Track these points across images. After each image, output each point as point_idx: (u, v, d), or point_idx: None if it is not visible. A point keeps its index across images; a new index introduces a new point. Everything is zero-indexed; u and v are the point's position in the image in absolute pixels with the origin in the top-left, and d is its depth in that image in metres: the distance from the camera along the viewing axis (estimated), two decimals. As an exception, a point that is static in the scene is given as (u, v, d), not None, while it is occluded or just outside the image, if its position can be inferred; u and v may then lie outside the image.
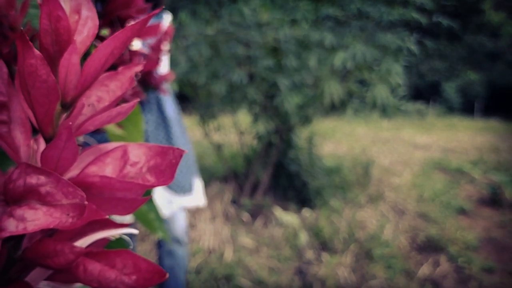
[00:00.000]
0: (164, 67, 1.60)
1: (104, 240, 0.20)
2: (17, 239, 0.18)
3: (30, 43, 0.16)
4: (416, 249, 2.63)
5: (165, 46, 1.13)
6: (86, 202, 0.15)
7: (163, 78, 1.15)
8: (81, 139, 0.53)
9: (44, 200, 0.16)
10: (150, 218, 0.51)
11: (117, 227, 0.20)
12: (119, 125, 0.44)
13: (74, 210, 0.15)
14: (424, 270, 2.32)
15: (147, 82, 1.15)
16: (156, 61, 1.14)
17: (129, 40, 0.17)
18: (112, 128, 0.43)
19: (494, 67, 18.47)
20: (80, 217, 0.15)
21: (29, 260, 0.18)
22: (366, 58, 2.54)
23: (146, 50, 1.13)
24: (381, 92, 2.58)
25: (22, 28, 0.30)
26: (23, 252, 0.18)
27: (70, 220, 0.15)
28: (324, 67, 2.72)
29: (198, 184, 1.57)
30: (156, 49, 1.14)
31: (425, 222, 3.08)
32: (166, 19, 1.49)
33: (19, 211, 0.16)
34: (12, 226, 0.16)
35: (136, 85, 1.04)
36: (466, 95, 17.71)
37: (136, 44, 1.03)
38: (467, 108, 17.23)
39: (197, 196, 1.56)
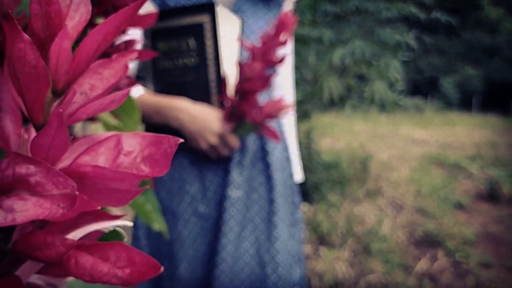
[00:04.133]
0: (284, 85, 1.04)
1: (98, 233, 0.20)
2: (7, 231, 0.18)
3: (19, 27, 0.15)
4: (413, 244, 2.64)
5: (284, 48, 0.84)
6: (77, 192, 0.14)
7: (277, 107, 0.84)
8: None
9: (34, 190, 0.15)
10: (147, 210, 0.50)
11: (111, 219, 0.19)
12: (115, 115, 0.44)
13: (64, 200, 0.15)
14: (422, 264, 2.33)
15: (242, 114, 0.84)
16: (265, 79, 0.83)
17: (122, 26, 0.17)
18: (107, 118, 0.42)
19: (492, 62, 18.48)
20: (71, 208, 0.15)
21: (19, 253, 0.18)
22: (364, 54, 2.54)
23: (243, 58, 0.91)
24: (379, 87, 2.58)
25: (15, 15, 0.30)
26: (13, 245, 0.18)
27: (60, 211, 0.15)
28: (322, 62, 2.71)
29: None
30: (264, 54, 0.84)
31: (423, 217, 3.09)
32: (287, 5, 1.02)
33: (7, 202, 0.15)
34: (1, 218, 0.15)
35: (224, 119, 0.86)
36: (464, 90, 17.72)
37: (134, 33, 0.87)
38: (465, 103, 17.25)
39: None
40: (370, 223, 2.83)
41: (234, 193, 0.93)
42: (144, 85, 0.95)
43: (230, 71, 0.90)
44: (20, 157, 0.15)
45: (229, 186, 0.92)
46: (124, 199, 0.18)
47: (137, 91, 0.91)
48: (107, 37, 0.17)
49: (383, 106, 2.70)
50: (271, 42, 0.80)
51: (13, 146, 0.18)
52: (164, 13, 0.89)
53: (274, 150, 0.98)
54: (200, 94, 0.90)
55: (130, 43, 0.36)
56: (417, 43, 2.94)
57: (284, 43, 0.80)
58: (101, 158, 0.18)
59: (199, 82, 0.90)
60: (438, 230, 2.79)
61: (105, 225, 0.19)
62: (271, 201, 0.96)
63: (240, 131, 0.87)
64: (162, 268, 0.17)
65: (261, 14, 0.98)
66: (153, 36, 0.92)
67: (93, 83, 0.20)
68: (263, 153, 0.98)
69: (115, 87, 0.33)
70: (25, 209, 0.15)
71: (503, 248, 2.59)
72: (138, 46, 0.42)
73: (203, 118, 0.87)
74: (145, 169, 0.17)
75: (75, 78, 0.18)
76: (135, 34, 0.86)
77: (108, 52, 0.34)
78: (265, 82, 0.81)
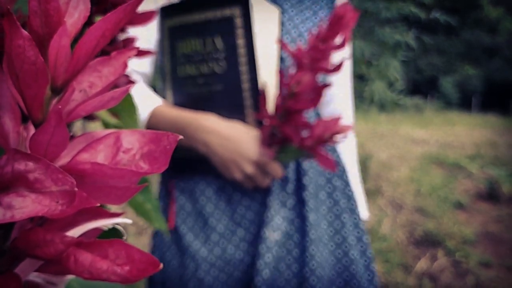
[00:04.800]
0: (340, 100, 0.87)
1: (97, 230, 0.20)
2: (6, 228, 0.18)
3: (18, 23, 0.15)
4: (413, 243, 2.64)
5: (340, 52, 0.64)
6: (76, 189, 0.14)
7: (332, 129, 0.63)
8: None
9: (33, 187, 0.15)
10: (146, 209, 0.50)
11: (110, 216, 0.19)
12: (115, 114, 0.43)
13: (63, 197, 0.15)
14: (422, 264, 2.33)
15: (286, 137, 0.65)
16: (316, 93, 0.62)
17: (121, 23, 0.17)
18: (106, 117, 0.42)
19: (492, 62, 18.49)
20: (70, 205, 0.15)
21: (18, 250, 0.18)
22: (364, 54, 2.54)
23: (285, 64, 0.74)
24: (379, 87, 2.58)
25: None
26: (13, 242, 0.18)
27: (59, 207, 0.15)
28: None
29: None
30: (315, 60, 0.62)
31: (423, 216, 3.09)
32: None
33: (6, 199, 0.15)
34: (0, 215, 0.15)
35: (263, 143, 0.67)
36: (464, 90, 17.74)
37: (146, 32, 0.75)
38: (464, 103, 17.26)
39: None
40: (370, 222, 2.83)
41: (272, 235, 0.73)
42: (162, 95, 0.79)
43: (268, 80, 0.72)
44: (19, 153, 0.15)
45: (266, 225, 0.73)
46: (123, 196, 0.18)
47: (154, 102, 0.75)
48: (105, 34, 0.17)
49: (382, 106, 2.70)
50: (324, 44, 0.61)
51: (12, 143, 0.18)
52: (184, 5, 0.72)
53: (331, 179, 0.79)
54: (230, 108, 0.71)
55: (129, 41, 0.36)
56: (417, 42, 2.95)
57: (341, 45, 0.61)
58: (100, 155, 0.18)
59: (229, 93, 0.71)
60: (438, 229, 2.79)
61: (105, 223, 0.19)
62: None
63: (284, 157, 0.69)
64: (161, 265, 0.17)
65: (307, 3, 0.79)
66: (170, 34, 0.74)
67: (92, 80, 0.20)
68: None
69: (115, 85, 0.33)
70: (24, 206, 0.15)
71: (502, 248, 2.60)
72: (138, 44, 0.41)
73: (237, 141, 0.68)
74: (144, 166, 0.17)
75: (74, 76, 0.18)
76: (147, 32, 0.76)
77: (109, 50, 0.34)
78: (316, 97, 0.62)
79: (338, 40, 0.62)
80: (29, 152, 0.17)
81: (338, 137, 0.64)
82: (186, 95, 0.74)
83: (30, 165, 0.15)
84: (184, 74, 0.73)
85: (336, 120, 0.63)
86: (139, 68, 0.79)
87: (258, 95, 0.69)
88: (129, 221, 0.19)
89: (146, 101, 0.75)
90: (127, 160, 0.17)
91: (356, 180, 0.87)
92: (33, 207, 0.15)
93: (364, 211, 0.87)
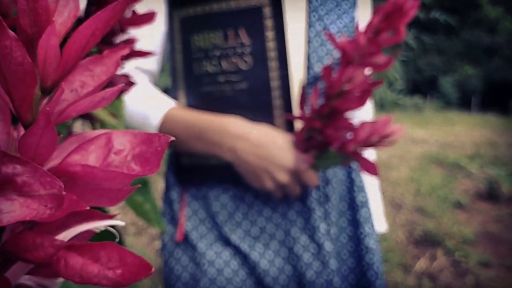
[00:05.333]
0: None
1: (89, 232, 0.19)
2: (-4, 232, 0.18)
3: (4, 23, 0.15)
4: (413, 243, 2.64)
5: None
6: (64, 193, 0.14)
7: (380, 132, 0.57)
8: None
9: (21, 190, 0.15)
10: (145, 209, 0.50)
11: (103, 218, 0.19)
12: (113, 114, 0.43)
13: (52, 201, 0.14)
14: (421, 264, 2.33)
15: (325, 141, 0.59)
16: (365, 91, 0.55)
17: (111, 21, 0.16)
18: (105, 117, 0.42)
19: (491, 62, 18.51)
20: (59, 209, 0.14)
21: (8, 254, 0.17)
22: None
23: (329, 59, 0.66)
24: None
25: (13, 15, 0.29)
26: (3, 246, 0.17)
27: (48, 211, 0.14)
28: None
29: None
30: (366, 55, 0.56)
31: (422, 216, 3.09)
32: None
33: (-6, 202, 0.15)
34: (-13, 218, 0.15)
35: (298, 148, 0.61)
36: (464, 89, 17.75)
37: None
38: (464, 102, 17.27)
39: None
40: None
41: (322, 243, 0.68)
42: (173, 96, 0.70)
43: (296, 76, 0.66)
44: (7, 156, 0.15)
45: (294, 244, 0.68)
46: (116, 198, 0.18)
47: (166, 105, 0.66)
48: (96, 33, 0.16)
49: (382, 106, 2.70)
50: (377, 36, 0.55)
51: (2, 145, 0.18)
52: None
53: (351, 189, 0.74)
54: (256, 109, 0.63)
55: (129, 42, 0.35)
56: (417, 42, 2.94)
57: (397, 38, 0.55)
58: (92, 157, 0.17)
59: (255, 92, 0.63)
60: (437, 229, 2.79)
61: (97, 225, 0.19)
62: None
63: (321, 164, 0.61)
64: (153, 269, 0.16)
65: None
66: (183, 26, 0.65)
67: (84, 80, 0.19)
68: (350, 194, 0.73)
69: (111, 84, 0.33)
70: (12, 209, 0.15)
71: (502, 247, 2.59)
72: (141, 40, 0.40)
73: (270, 146, 0.60)
74: (136, 168, 0.17)
75: (64, 75, 0.17)
76: (155, 24, 0.66)
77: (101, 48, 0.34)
78: (364, 95, 0.55)
79: (395, 31, 0.55)
80: (18, 154, 0.16)
81: (387, 140, 0.58)
82: (203, 95, 0.65)
83: (18, 168, 0.15)
84: (201, 71, 0.65)
85: (386, 122, 0.58)
86: (144, 65, 0.70)
87: (289, 94, 0.62)
88: (122, 223, 0.19)
89: (157, 104, 0.66)
90: (118, 162, 0.17)
91: (374, 187, 0.82)
92: (21, 211, 0.15)
93: (382, 223, 0.82)
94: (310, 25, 0.67)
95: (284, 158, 0.60)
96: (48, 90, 0.17)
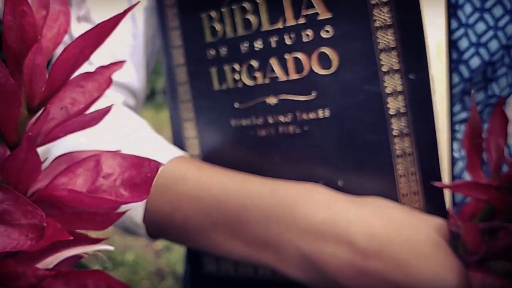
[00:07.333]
0: None
1: (78, 257, 0.19)
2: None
3: (-13, 41, 0.14)
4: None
5: None
6: (45, 224, 0.13)
7: None
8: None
9: (2, 218, 0.14)
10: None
11: (91, 243, 0.18)
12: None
13: (33, 231, 0.14)
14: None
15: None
16: None
17: (101, 40, 0.16)
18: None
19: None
20: (40, 239, 0.14)
21: (-8, 280, 0.17)
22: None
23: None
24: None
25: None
26: (-14, 272, 0.17)
27: (28, 242, 0.14)
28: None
29: None
30: None
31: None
32: None
33: (-26, 230, 0.14)
34: (-33, 247, 0.14)
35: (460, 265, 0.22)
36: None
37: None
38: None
39: None
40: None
41: None
42: (176, 132, 0.38)
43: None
44: (-12, 182, 0.14)
45: None
46: (104, 223, 0.17)
47: (169, 154, 0.35)
48: (85, 52, 0.16)
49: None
50: None
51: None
52: None
53: None
54: (356, 165, 0.31)
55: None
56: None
57: None
58: (79, 180, 0.16)
59: (349, 127, 0.31)
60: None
61: (85, 250, 0.18)
62: None
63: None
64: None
65: None
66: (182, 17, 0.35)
67: (74, 96, 0.18)
68: None
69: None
70: (-8, 238, 0.14)
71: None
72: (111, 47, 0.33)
73: (409, 256, 0.27)
74: (125, 194, 0.16)
75: (51, 94, 0.17)
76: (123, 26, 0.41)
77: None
78: None
79: None
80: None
81: None
82: (238, 134, 0.34)
83: (-1, 195, 0.14)
84: (227, 85, 0.34)
85: None
86: (120, 77, 0.40)
87: (433, 129, 0.29)
88: (110, 247, 0.18)
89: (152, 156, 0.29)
90: (107, 186, 0.16)
91: None
92: (1, 240, 0.14)
93: None
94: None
95: (437, 273, 0.27)
96: (35, 109, 0.17)
